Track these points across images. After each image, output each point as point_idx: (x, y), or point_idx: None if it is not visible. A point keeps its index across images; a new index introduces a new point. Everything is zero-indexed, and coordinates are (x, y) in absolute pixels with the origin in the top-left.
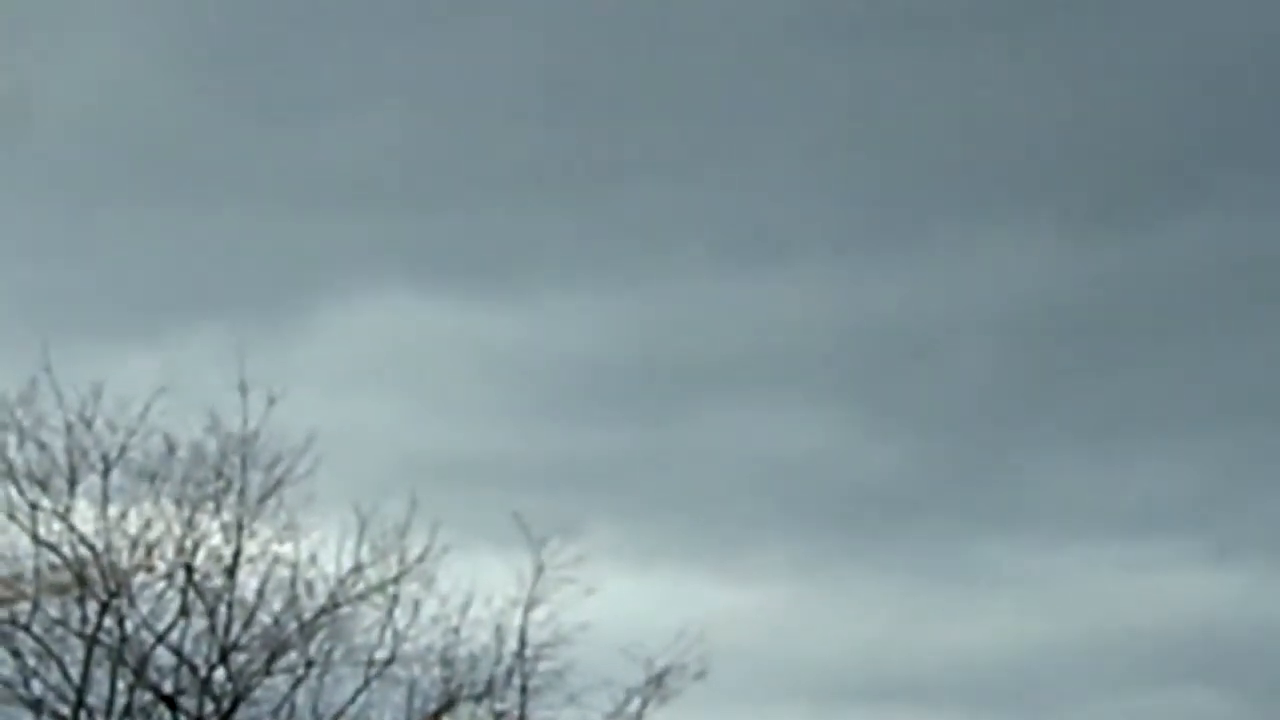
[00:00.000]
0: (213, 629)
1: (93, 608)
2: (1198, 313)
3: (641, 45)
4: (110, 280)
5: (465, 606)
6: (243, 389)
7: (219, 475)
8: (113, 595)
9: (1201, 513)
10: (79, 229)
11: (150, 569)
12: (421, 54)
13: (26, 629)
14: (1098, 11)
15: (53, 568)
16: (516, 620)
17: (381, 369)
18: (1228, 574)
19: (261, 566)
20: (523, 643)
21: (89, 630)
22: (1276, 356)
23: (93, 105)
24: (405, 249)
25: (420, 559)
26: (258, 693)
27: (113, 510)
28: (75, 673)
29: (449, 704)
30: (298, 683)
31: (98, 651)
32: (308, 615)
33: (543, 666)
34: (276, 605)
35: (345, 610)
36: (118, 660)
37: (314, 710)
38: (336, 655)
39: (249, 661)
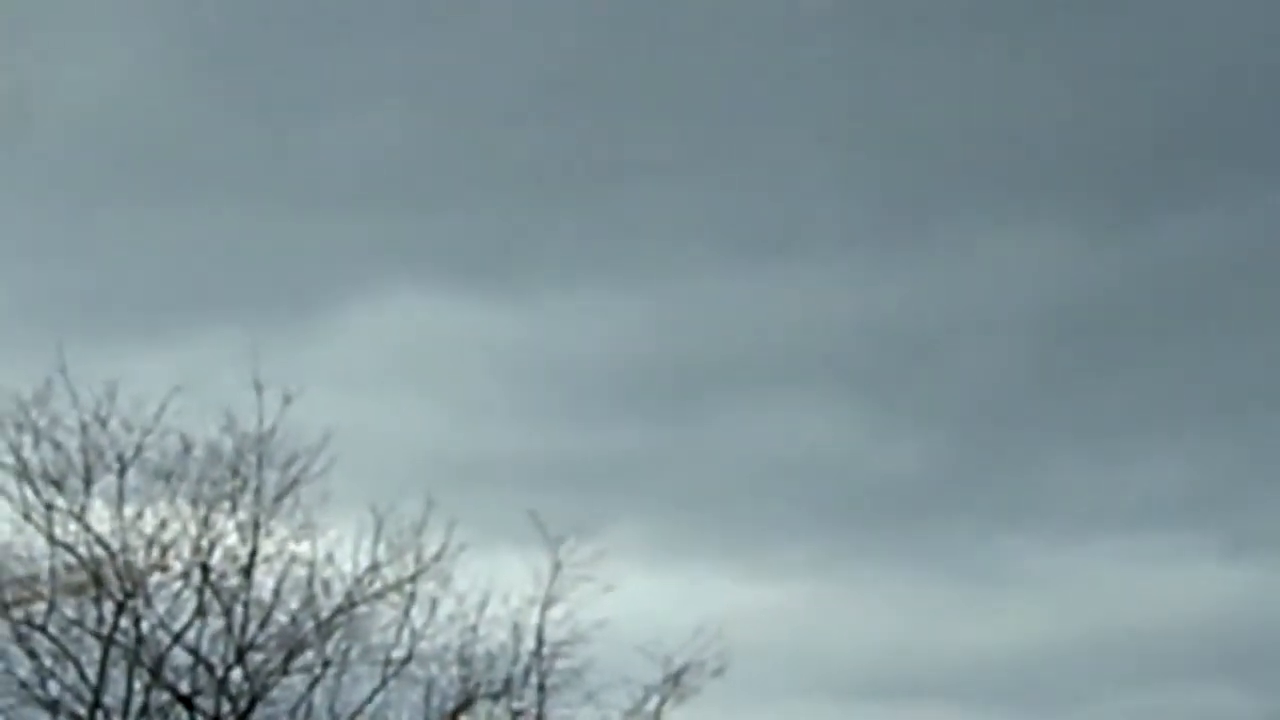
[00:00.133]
0: (229, 629)
1: (109, 608)
2: (1209, 309)
3: (649, 44)
4: (124, 280)
5: (482, 605)
6: (258, 388)
7: (235, 474)
8: (129, 595)
9: (1214, 509)
10: (93, 230)
11: (166, 569)
12: (428, 53)
13: (43, 629)
14: (1101, 11)
15: (69, 568)
16: (534, 619)
17: (397, 368)
18: (1240, 570)
19: (278, 566)
20: (540, 641)
21: (105, 630)
22: None
23: (100, 105)
24: (421, 248)
25: (437, 557)
26: (275, 692)
27: (128, 510)
28: (92, 673)
29: (466, 703)
30: (315, 682)
31: (114, 652)
32: (324, 614)
33: (560, 665)
34: (293, 604)
35: (362, 609)
36: (134, 660)
37: (331, 709)
38: (353, 654)
39: (266, 661)
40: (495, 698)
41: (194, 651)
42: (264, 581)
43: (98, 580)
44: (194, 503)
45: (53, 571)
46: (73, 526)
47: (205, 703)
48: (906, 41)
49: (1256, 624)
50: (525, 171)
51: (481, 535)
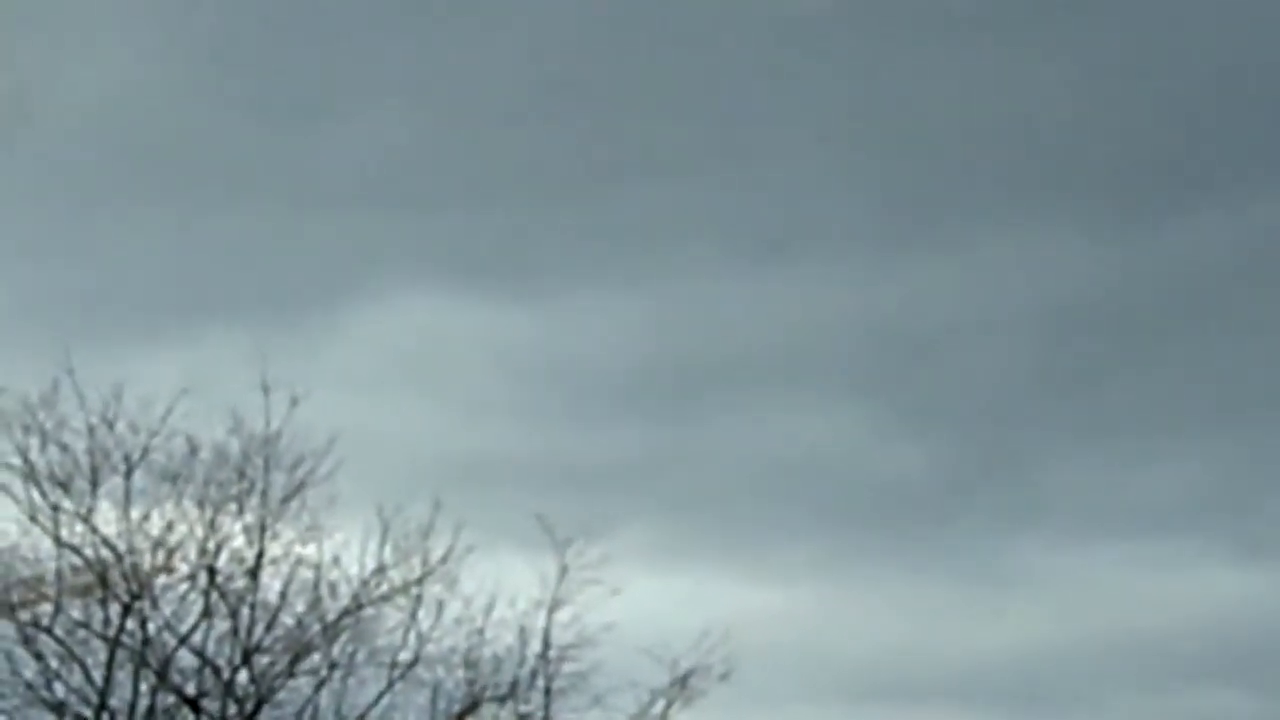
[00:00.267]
0: (235, 631)
1: (115, 610)
2: (1213, 310)
3: (650, 45)
4: (131, 282)
5: (489, 608)
6: (265, 390)
7: (242, 477)
8: (135, 597)
9: (1219, 512)
10: (96, 230)
11: (172, 571)
12: (431, 54)
13: (49, 631)
14: (1104, 11)
15: (75, 570)
16: (540, 621)
17: (404, 370)
18: (1251, 573)
19: (284, 568)
20: (547, 644)
21: (111, 632)
22: None
23: (102, 105)
24: (427, 249)
25: (444, 560)
26: (281, 695)
27: (135, 512)
28: (98, 675)
29: (473, 706)
30: (321, 684)
31: (120, 654)
32: (331, 617)
33: (567, 668)
34: (299, 607)
35: (368, 612)
36: (140, 662)
37: (337, 712)
38: (360, 657)
39: (272, 663)
40: (501, 701)
41: (200, 653)
42: (270, 584)
43: (104, 582)
44: (200, 505)
45: (59, 573)
46: (79, 528)
47: (211, 705)
48: (907, 42)
49: (1262, 627)
50: (528, 172)
51: (488, 538)
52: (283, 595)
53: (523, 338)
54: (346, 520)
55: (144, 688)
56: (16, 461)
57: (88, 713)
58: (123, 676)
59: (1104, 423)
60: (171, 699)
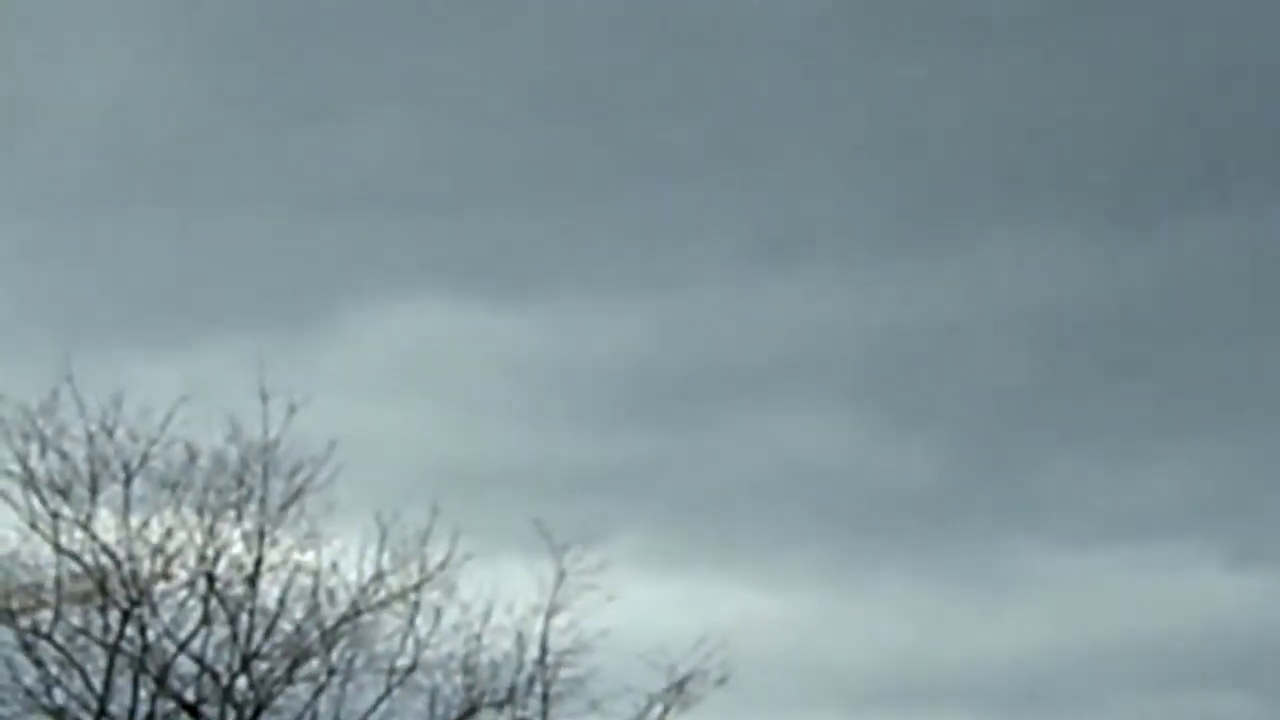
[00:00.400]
0: (234, 637)
1: (114, 616)
2: (1215, 314)
3: (651, 49)
4: (130, 289)
5: (487, 614)
6: (264, 397)
7: (240, 483)
8: (134, 604)
9: (1220, 516)
10: (95, 235)
11: (171, 577)
12: (432, 57)
13: (48, 638)
14: (1104, 13)
15: (74, 576)
16: (538, 627)
17: (402, 376)
18: (1246, 578)
19: (283, 575)
20: (544, 650)
21: (111, 639)
22: None
23: (102, 110)
24: (426, 255)
25: (442, 566)
26: (280, 701)
27: (134, 519)
28: (97, 681)
29: (471, 711)
30: (319, 691)
31: (120, 660)
32: (329, 623)
33: (564, 674)
34: (298, 613)
35: (367, 618)
36: (140, 669)
37: (336, 718)
38: (358, 663)
39: (271, 670)
40: (499, 706)
41: (199, 660)
42: (269, 590)
43: (103, 589)
44: (199, 512)
45: (58, 580)
46: (79, 535)
47: (210, 711)
48: (910, 45)
49: (1260, 630)
50: (528, 175)
51: (486, 544)
52: (281, 602)
53: (522, 342)
54: (345, 526)
55: (143, 694)
56: (16, 468)
57: (87, 719)
58: (122, 683)
59: (1103, 426)
60: (171, 705)
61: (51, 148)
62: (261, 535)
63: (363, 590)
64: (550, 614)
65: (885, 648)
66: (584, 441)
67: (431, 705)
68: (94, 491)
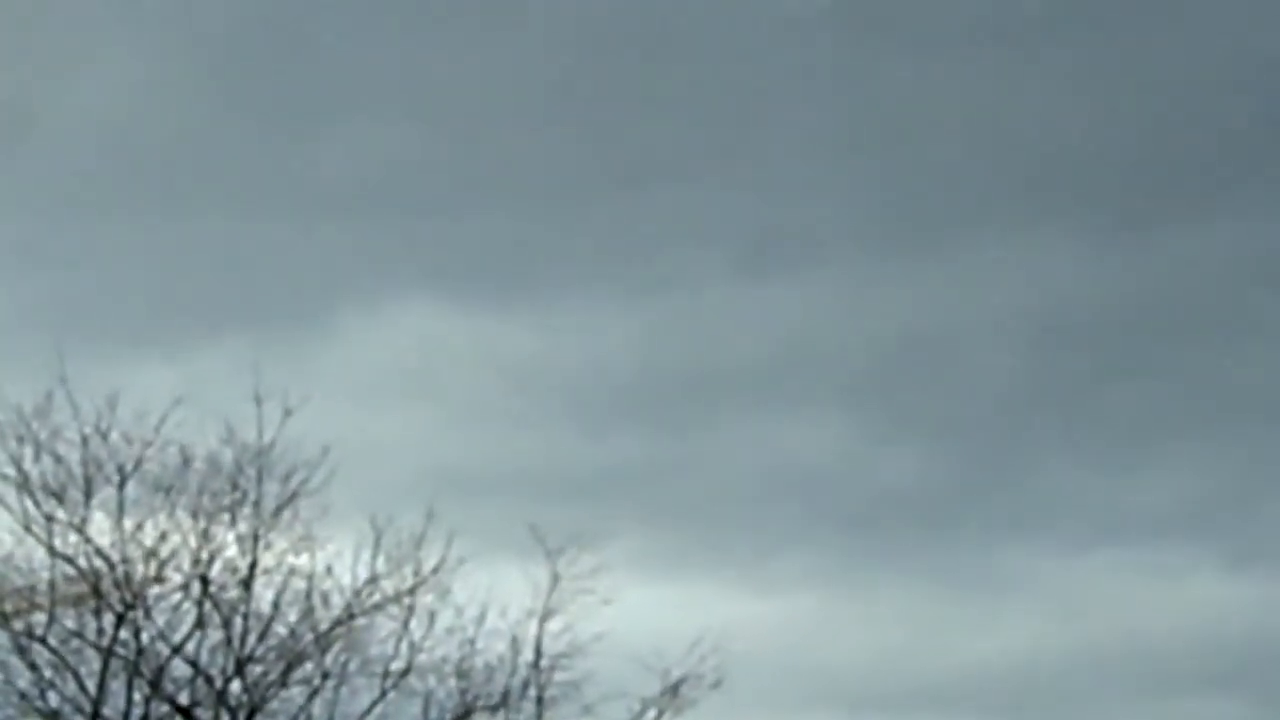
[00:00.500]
0: (228, 640)
1: (108, 619)
2: (1215, 319)
3: (650, 54)
4: (125, 292)
5: (481, 617)
6: (258, 400)
7: (235, 487)
8: (129, 607)
9: (1217, 521)
10: (93, 239)
11: (165, 581)
12: (432, 61)
13: (43, 641)
14: (1113, 19)
15: (69, 579)
16: (532, 631)
17: (397, 380)
18: (1243, 582)
19: (277, 578)
20: (538, 653)
21: (105, 642)
22: None
23: (102, 114)
24: (422, 259)
25: (436, 570)
26: (274, 704)
27: (128, 522)
28: (91, 684)
29: (465, 715)
30: (314, 694)
31: (114, 663)
32: (324, 627)
33: (558, 677)
34: (292, 617)
35: (361, 621)
36: (134, 672)
37: None
38: (352, 666)
39: (265, 673)
40: (494, 710)
41: (193, 663)
42: (263, 594)
43: (97, 592)
44: (194, 515)
45: (53, 583)
46: (73, 538)
47: (204, 714)
48: (908, 50)
49: (1257, 634)
50: (525, 180)
51: (480, 548)
52: (275, 605)
53: (517, 346)
54: (339, 530)
55: (137, 697)
56: (10, 471)
57: None
58: (116, 686)
59: (1099, 430)
60: (165, 708)
61: (47, 150)
62: (256, 538)
63: (357, 594)
64: (545, 618)
65: (880, 651)
66: (579, 445)
67: (426, 709)
68: (88, 494)
